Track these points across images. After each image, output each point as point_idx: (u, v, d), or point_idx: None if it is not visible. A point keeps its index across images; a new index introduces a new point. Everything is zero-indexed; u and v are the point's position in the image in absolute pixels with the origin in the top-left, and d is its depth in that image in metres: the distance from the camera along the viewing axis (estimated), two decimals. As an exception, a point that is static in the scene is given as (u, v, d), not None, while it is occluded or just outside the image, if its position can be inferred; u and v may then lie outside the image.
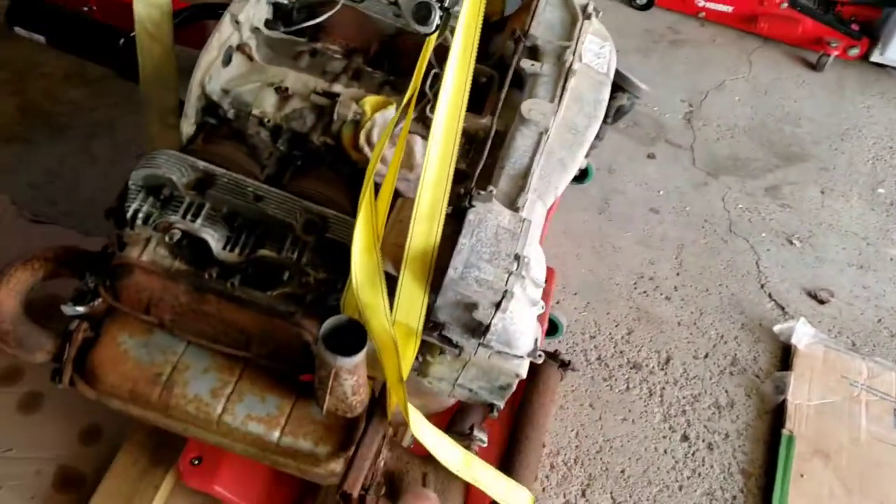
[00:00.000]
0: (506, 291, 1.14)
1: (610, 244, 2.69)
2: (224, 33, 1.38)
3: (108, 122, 2.73)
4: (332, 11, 1.57)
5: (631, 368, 2.36)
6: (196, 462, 1.59)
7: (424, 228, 1.18)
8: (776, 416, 2.28)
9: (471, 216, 1.21)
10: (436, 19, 1.18)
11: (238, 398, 1.28)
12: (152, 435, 1.86)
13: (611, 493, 2.08)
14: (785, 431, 2.19)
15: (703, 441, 2.22)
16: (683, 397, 2.31)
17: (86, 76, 2.87)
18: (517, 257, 1.19)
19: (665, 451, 2.19)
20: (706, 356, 2.43)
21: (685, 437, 2.22)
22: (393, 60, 1.63)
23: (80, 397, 1.30)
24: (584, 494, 2.06)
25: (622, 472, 2.12)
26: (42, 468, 1.89)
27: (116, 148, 2.65)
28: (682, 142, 3.15)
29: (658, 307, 2.53)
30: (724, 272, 2.68)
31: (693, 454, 2.19)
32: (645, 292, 2.57)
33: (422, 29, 1.20)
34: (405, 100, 1.19)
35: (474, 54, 1.18)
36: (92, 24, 1.51)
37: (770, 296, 2.63)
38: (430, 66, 1.47)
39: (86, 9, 2.51)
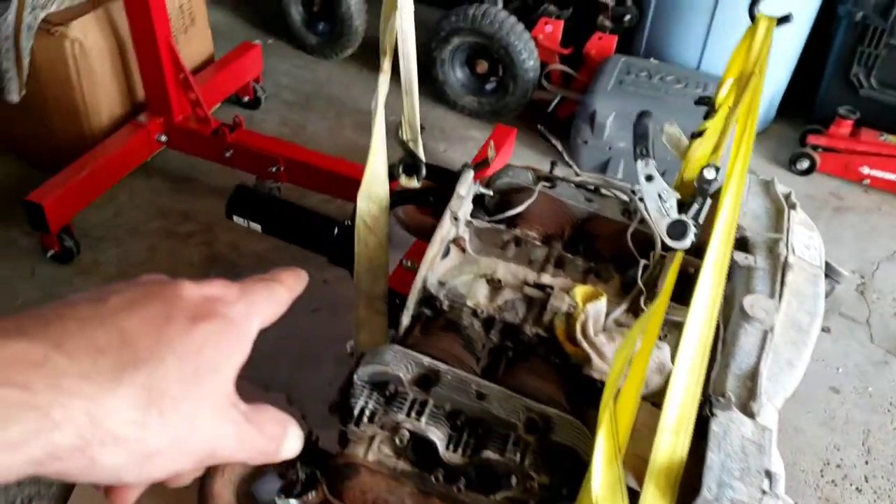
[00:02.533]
0: (765, 515, 1.07)
1: (791, 425, 2.49)
2: (445, 229, 1.41)
3: (287, 275, 2.81)
4: (532, 199, 1.61)
5: (822, 565, 2.14)
6: None
7: (672, 441, 1.12)
8: None
9: (715, 427, 1.15)
10: (691, 235, 1.18)
11: None
12: None
13: None
14: None
15: None
16: None
17: (268, 232, 2.99)
18: (768, 474, 1.12)
19: None
20: (904, 555, 2.18)
21: None
22: (587, 243, 1.64)
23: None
24: None
25: None
26: None
27: (294, 303, 2.70)
28: (856, 315, 2.93)
29: (849, 499, 2.31)
30: (918, 461, 2.41)
31: None
32: (833, 481, 2.35)
33: (676, 245, 1.20)
34: (651, 313, 1.15)
35: (728, 261, 1.16)
36: (305, 213, 1.59)
37: (975, 488, 2.34)
38: (634, 257, 1.47)
39: (273, 169, 2.66)
